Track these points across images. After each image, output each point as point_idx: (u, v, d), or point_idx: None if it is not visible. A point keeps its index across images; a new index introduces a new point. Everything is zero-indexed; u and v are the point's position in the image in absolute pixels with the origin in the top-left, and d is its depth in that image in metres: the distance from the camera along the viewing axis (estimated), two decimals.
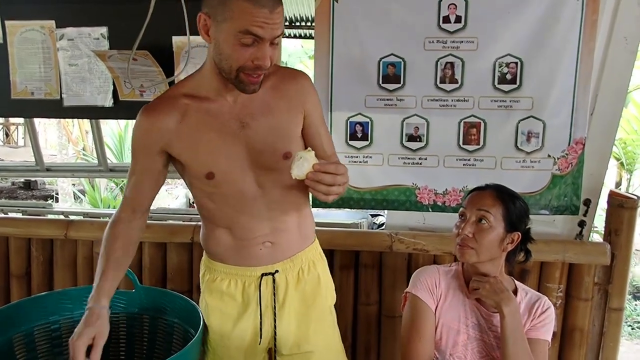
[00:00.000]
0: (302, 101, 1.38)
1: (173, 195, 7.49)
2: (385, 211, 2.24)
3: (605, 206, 2.04)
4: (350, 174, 1.27)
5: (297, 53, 9.14)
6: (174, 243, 2.15)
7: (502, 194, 1.47)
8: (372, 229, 2.98)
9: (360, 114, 2.03)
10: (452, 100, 1.99)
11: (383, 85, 2.01)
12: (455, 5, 1.93)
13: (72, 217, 2.67)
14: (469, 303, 1.50)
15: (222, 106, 1.32)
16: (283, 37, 1.87)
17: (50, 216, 2.88)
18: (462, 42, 1.95)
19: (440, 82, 1.99)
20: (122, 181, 6.95)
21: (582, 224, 2.05)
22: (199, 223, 1.54)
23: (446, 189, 2.05)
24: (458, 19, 1.94)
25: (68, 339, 1.20)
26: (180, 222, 2.29)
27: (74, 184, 7.41)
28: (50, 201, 6.58)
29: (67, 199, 7.20)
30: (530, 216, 1.51)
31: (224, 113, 1.32)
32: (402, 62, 1.99)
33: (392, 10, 1.96)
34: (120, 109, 2.19)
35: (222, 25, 1.17)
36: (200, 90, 1.32)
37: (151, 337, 1.55)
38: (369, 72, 2.01)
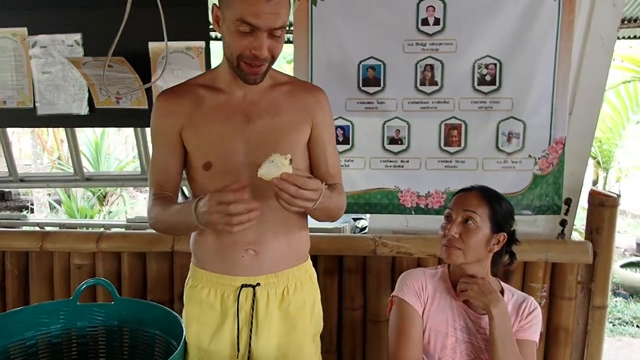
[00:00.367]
0: (312, 113, 1.39)
1: None
2: (368, 215, 2.23)
3: (585, 205, 2.06)
4: None
5: None
6: (154, 252, 2.11)
7: (487, 195, 1.47)
8: (355, 232, 2.97)
9: (340, 117, 2.02)
10: (432, 103, 2.00)
11: (363, 88, 2.00)
12: (434, 8, 1.94)
13: (47, 229, 2.60)
14: (456, 305, 1.49)
15: (231, 99, 1.35)
16: None
17: (25, 228, 2.81)
18: (441, 44, 1.96)
19: (420, 85, 1.99)
20: (99, 190, 6.85)
21: (563, 223, 2.07)
22: None
23: (428, 191, 2.05)
24: (437, 21, 1.95)
25: (44, 356, 1.15)
26: None
27: (49, 194, 7.27)
28: (25, 212, 6.47)
29: (43, 209, 7.07)
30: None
31: (231, 106, 1.34)
32: (382, 65, 1.99)
33: (371, 13, 1.95)
34: (96, 117, 2.14)
35: (225, 13, 1.22)
36: (215, 82, 1.36)
37: (131, 351, 1.50)
38: (349, 75, 2.00)
